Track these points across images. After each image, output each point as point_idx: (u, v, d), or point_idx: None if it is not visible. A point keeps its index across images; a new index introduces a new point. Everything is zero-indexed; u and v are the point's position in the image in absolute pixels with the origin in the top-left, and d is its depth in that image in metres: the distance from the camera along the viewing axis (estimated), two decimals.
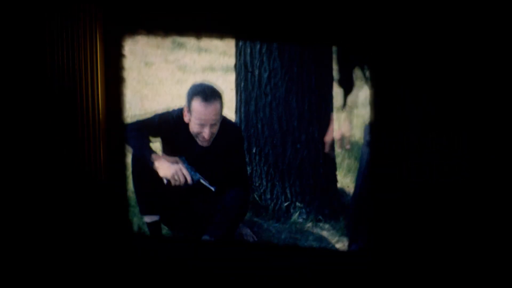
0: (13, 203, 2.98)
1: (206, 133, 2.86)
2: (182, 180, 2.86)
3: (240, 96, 3.07)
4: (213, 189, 2.88)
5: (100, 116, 2.91)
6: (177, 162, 2.87)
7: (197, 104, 2.84)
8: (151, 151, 2.90)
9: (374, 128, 2.75)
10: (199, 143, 2.89)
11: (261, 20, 2.79)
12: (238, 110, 3.07)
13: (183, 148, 2.91)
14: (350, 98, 2.90)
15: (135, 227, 3.01)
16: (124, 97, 2.92)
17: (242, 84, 3.06)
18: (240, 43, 3.00)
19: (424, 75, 2.72)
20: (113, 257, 2.99)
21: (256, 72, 3.01)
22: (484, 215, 2.76)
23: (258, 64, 3.00)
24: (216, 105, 2.86)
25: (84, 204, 2.97)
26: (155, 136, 2.94)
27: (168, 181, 2.86)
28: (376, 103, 2.75)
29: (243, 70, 3.03)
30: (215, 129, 2.88)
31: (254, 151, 3.07)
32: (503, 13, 2.63)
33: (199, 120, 2.85)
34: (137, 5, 2.85)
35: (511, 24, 2.62)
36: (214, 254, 2.97)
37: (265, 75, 3.01)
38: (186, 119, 2.89)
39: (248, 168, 3.06)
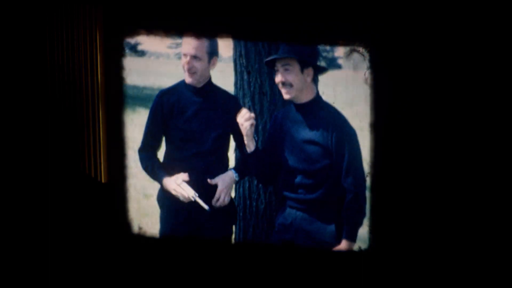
0: (13, 203, 2.98)
1: None
2: (182, 195, 2.86)
3: None
4: (207, 208, 2.86)
5: (100, 115, 2.92)
6: (178, 179, 2.88)
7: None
8: (161, 172, 2.91)
9: (374, 128, 2.76)
10: None
11: (261, 20, 2.79)
12: None
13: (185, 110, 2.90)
14: None
15: (135, 227, 3.01)
16: (124, 96, 2.92)
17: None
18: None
19: (424, 75, 2.73)
20: (113, 257, 2.99)
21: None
22: (484, 214, 2.76)
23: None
24: None
25: (84, 204, 2.97)
26: (158, 132, 2.93)
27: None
28: (376, 103, 2.75)
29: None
30: None
31: None
32: (505, 13, 2.64)
33: None
34: (137, 5, 2.86)
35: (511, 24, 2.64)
36: (214, 254, 2.97)
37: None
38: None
39: None
